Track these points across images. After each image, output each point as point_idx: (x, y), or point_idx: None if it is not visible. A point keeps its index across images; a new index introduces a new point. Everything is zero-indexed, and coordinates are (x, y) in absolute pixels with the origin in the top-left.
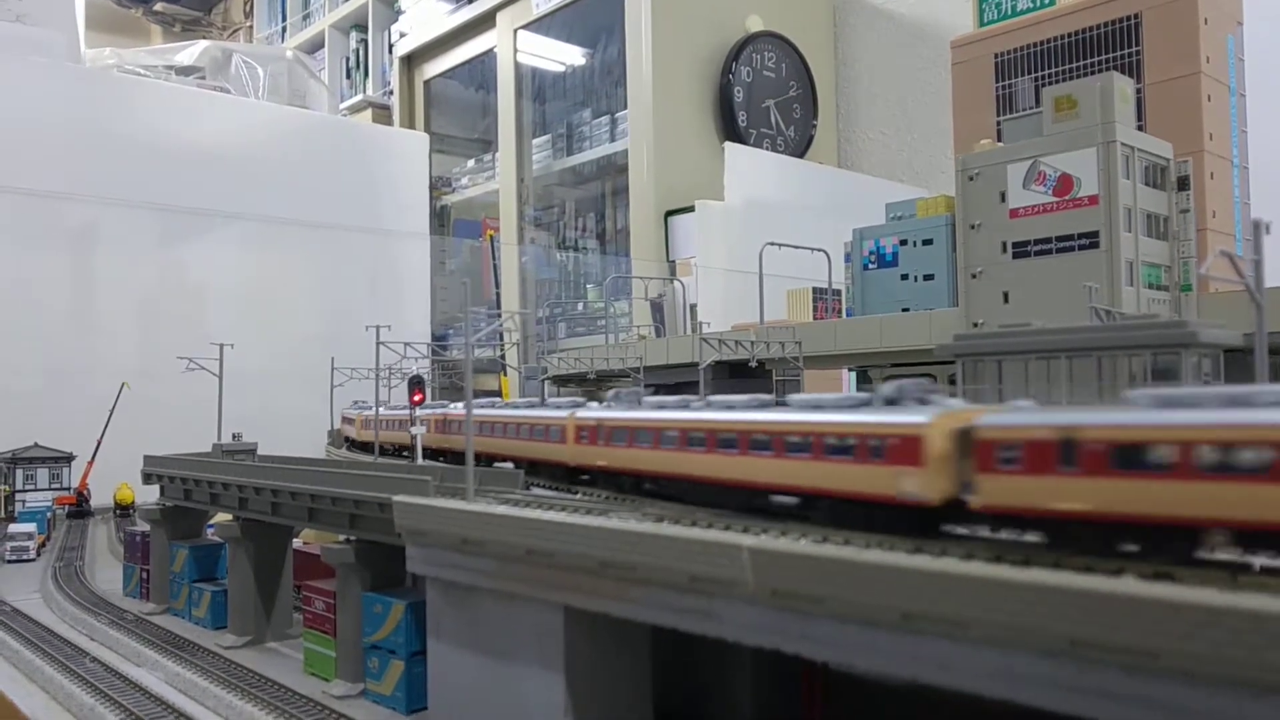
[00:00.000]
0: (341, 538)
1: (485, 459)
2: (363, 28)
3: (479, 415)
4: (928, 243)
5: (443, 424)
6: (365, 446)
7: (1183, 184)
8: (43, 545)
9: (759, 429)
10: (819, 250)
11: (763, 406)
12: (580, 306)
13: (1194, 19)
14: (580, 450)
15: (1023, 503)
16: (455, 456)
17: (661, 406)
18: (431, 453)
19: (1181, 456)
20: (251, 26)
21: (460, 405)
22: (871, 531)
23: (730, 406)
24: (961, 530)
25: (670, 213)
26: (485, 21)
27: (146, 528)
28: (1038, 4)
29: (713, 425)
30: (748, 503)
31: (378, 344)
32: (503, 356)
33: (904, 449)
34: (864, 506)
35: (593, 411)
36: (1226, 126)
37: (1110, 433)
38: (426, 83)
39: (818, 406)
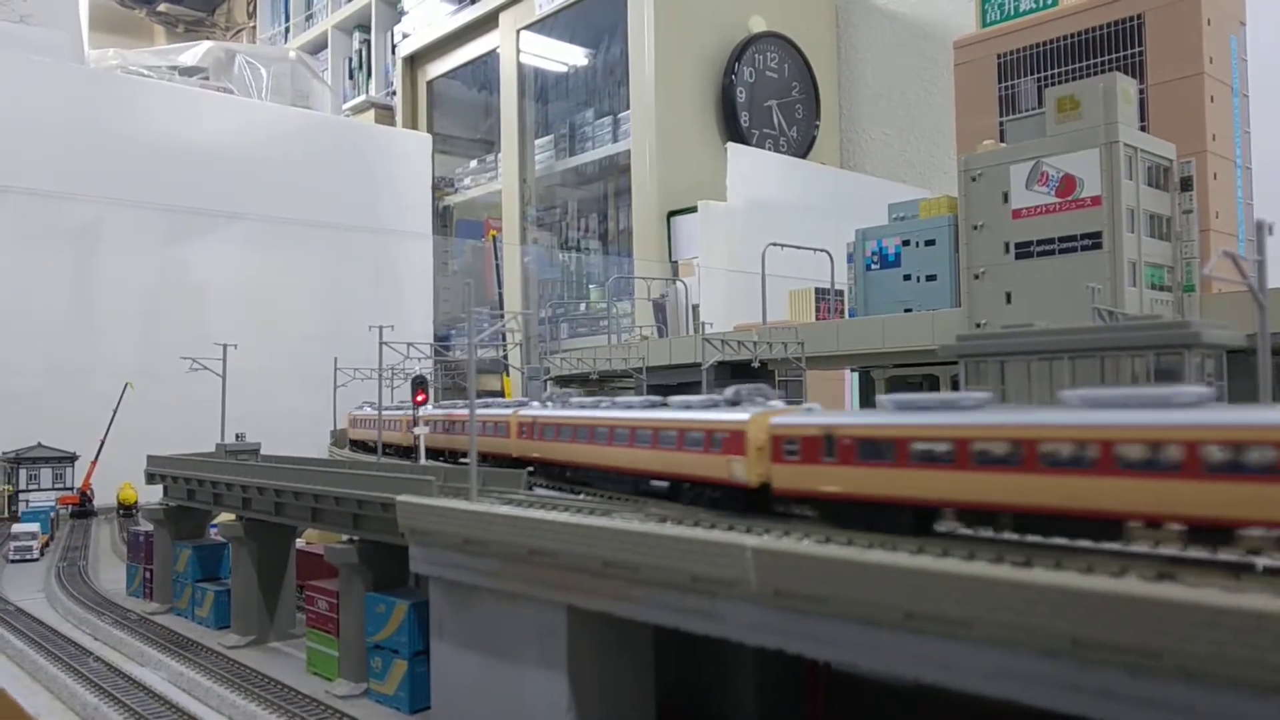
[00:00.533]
0: (344, 538)
1: (446, 454)
2: (365, 28)
3: (440, 414)
4: (930, 243)
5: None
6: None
7: (1185, 185)
8: (46, 545)
9: (641, 425)
10: (821, 251)
11: (651, 406)
12: (583, 307)
13: (1197, 19)
14: (522, 444)
15: (801, 486)
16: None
17: (581, 406)
18: (404, 450)
19: (901, 450)
20: (254, 27)
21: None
22: (717, 509)
23: (628, 406)
24: (780, 509)
25: (673, 213)
26: (488, 22)
27: (150, 527)
28: (1040, 4)
29: (609, 422)
30: (635, 487)
31: (380, 344)
32: (505, 357)
33: (732, 441)
34: (711, 488)
35: (531, 410)
36: (1229, 127)
37: (856, 430)
38: (429, 83)
39: (686, 406)
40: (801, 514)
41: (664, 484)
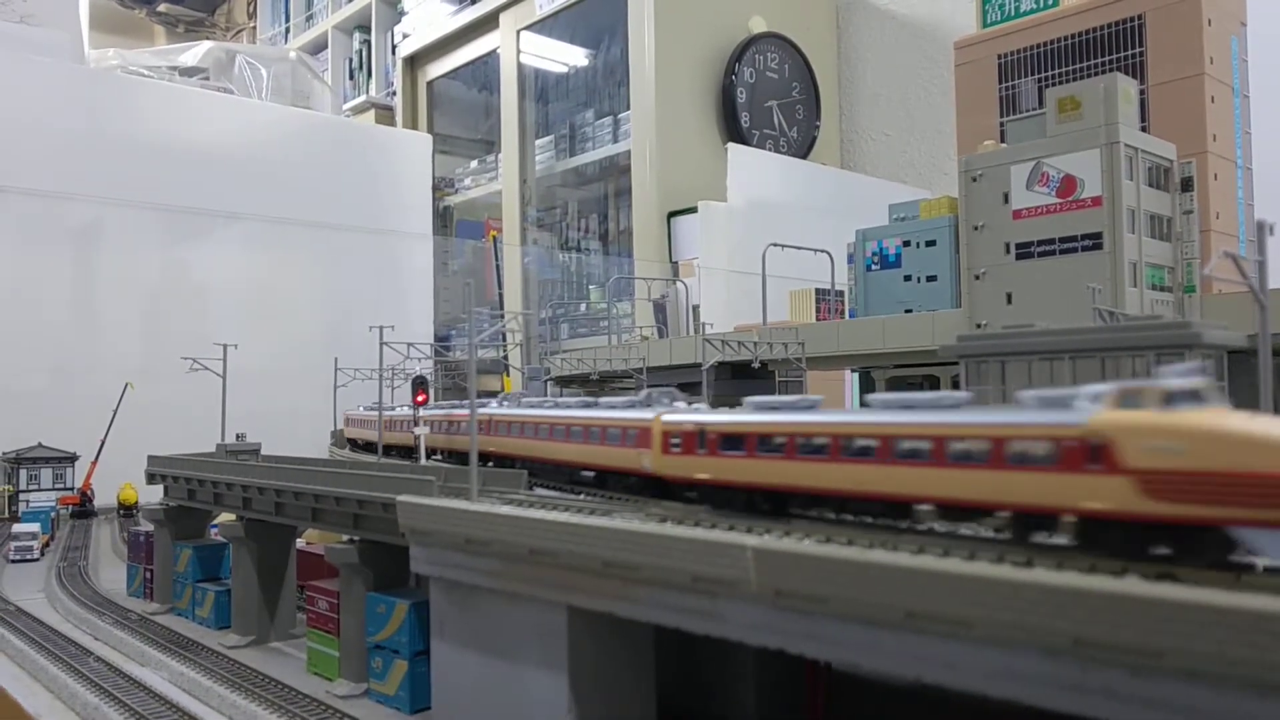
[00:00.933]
0: (345, 538)
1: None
2: (366, 29)
3: (407, 416)
4: (931, 244)
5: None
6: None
7: (1186, 185)
8: (46, 545)
9: (575, 423)
10: (822, 251)
11: (585, 406)
12: (583, 307)
13: (1198, 20)
14: (479, 440)
15: (683, 474)
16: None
17: (529, 406)
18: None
19: (749, 443)
20: (255, 27)
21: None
22: (634, 494)
23: (567, 406)
24: (688, 494)
25: (673, 213)
26: (488, 22)
27: (150, 528)
28: (1041, 5)
29: (550, 420)
30: (570, 477)
31: (381, 344)
32: (506, 357)
33: (640, 437)
34: (627, 477)
35: (488, 409)
36: (1230, 127)
37: (719, 427)
38: (429, 84)
39: (612, 407)
40: (689, 496)
41: (589, 474)
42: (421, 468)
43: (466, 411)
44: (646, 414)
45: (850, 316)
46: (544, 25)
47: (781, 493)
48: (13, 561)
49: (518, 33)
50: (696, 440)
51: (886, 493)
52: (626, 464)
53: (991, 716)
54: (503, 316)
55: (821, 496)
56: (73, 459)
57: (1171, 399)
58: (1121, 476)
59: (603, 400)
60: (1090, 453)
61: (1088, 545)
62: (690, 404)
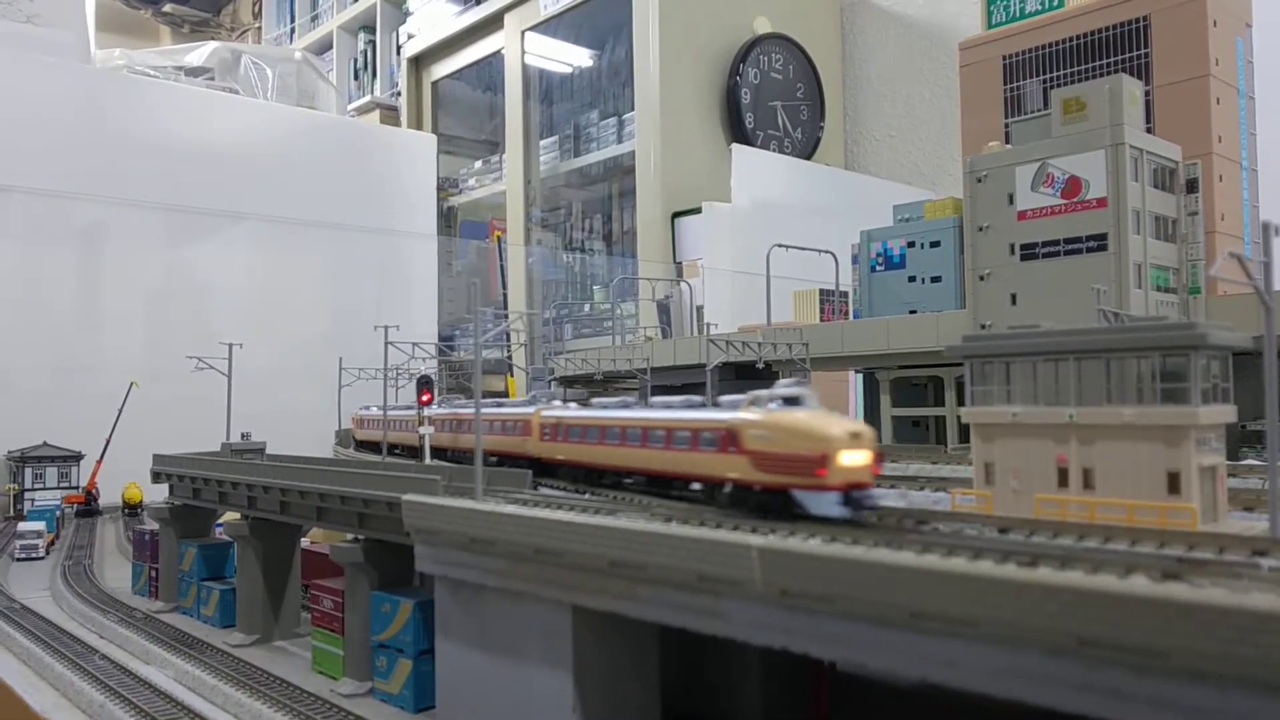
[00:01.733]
0: (350, 537)
1: (393, 447)
2: (371, 29)
3: (375, 415)
4: (935, 244)
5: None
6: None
7: (1191, 186)
8: (52, 544)
9: (483, 418)
10: (826, 252)
11: (498, 405)
12: (587, 307)
13: (1203, 21)
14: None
15: (549, 455)
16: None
17: (454, 406)
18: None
19: (581, 432)
20: (260, 28)
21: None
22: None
23: (481, 405)
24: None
25: (677, 214)
26: (493, 23)
27: (155, 526)
28: (1046, 6)
29: (466, 416)
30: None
31: (386, 344)
32: (510, 357)
33: (525, 427)
34: (519, 461)
35: (429, 410)
36: (1235, 129)
37: (566, 420)
38: (434, 84)
39: (515, 405)
40: (561, 472)
41: (494, 459)
42: (426, 467)
43: (395, 414)
44: (530, 409)
45: (854, 317)
46: (548, 26)
47: (601, 470)
48: (18, 560)
49: (522, 33)
50: (555, 430)
51: (647, 469)
52: (516, 450)
53: (996, 716)
54: (507, 317)
55: (624, 472)
56: (78, 458)
57: (779, 402)
58: (744, 456)
59: (505, 400)
60: (732, 439)
61: (737, 504)
62: (565, 402)
